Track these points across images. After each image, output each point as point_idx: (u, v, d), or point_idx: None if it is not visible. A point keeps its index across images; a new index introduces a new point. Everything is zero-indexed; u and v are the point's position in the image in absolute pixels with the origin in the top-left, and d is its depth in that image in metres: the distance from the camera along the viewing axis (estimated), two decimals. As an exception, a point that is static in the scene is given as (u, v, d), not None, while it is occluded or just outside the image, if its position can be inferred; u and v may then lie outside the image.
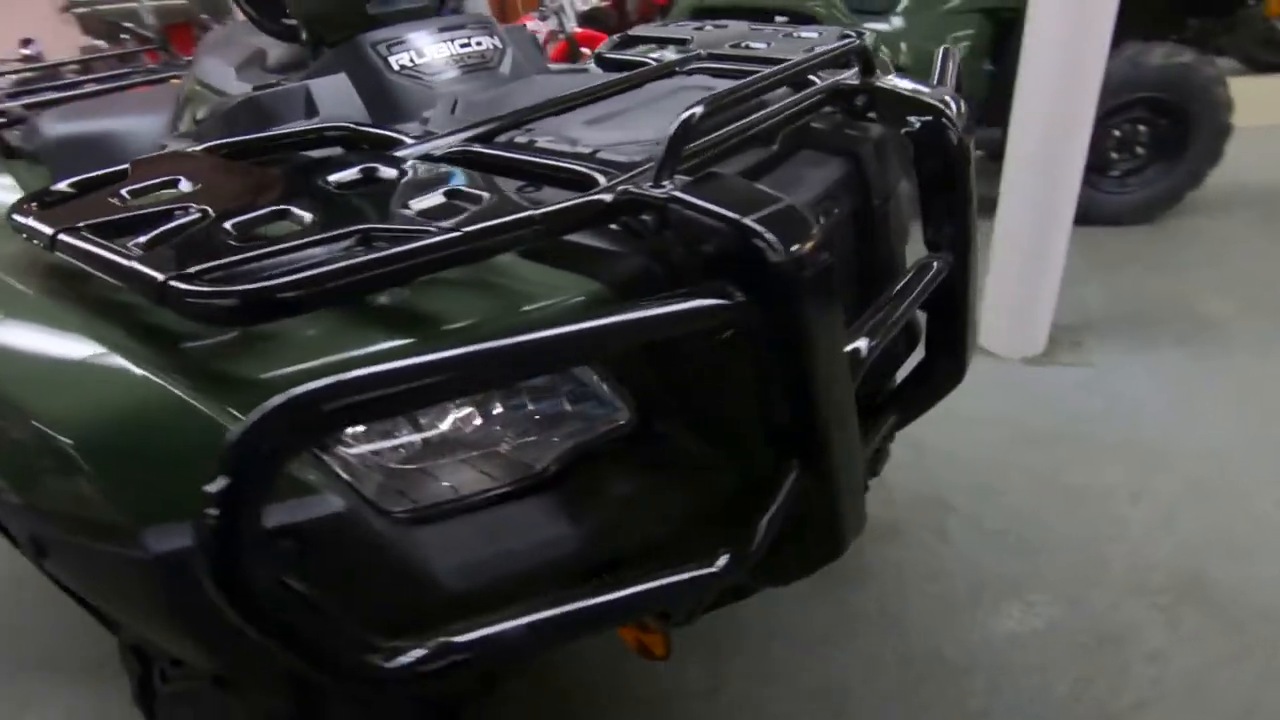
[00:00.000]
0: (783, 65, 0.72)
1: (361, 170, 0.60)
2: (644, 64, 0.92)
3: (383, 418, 0.47)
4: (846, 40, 0.84)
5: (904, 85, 0.78)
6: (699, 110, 0.57)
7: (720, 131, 0.64)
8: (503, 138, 0.71)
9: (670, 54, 1.00)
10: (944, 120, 0.74)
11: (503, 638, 0.46)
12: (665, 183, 0.54)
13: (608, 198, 0.54)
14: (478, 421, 0.58)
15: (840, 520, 0.65)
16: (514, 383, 0.55)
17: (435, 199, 0.55)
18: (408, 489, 0.54)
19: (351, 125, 0.72)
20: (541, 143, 0.69)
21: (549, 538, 0.57)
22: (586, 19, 6.04)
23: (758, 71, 0.72)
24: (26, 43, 5.61)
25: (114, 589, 0.51)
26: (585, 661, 1.44)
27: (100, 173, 0.62)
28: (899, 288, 0.72)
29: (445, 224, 0.49)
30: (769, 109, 0.71)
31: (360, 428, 0.50)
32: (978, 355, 2.15)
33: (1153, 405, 1.95)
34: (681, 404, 0.61)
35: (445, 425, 0.56)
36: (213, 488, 0.34)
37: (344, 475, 0.49)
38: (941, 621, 1.43)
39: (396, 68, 0.89)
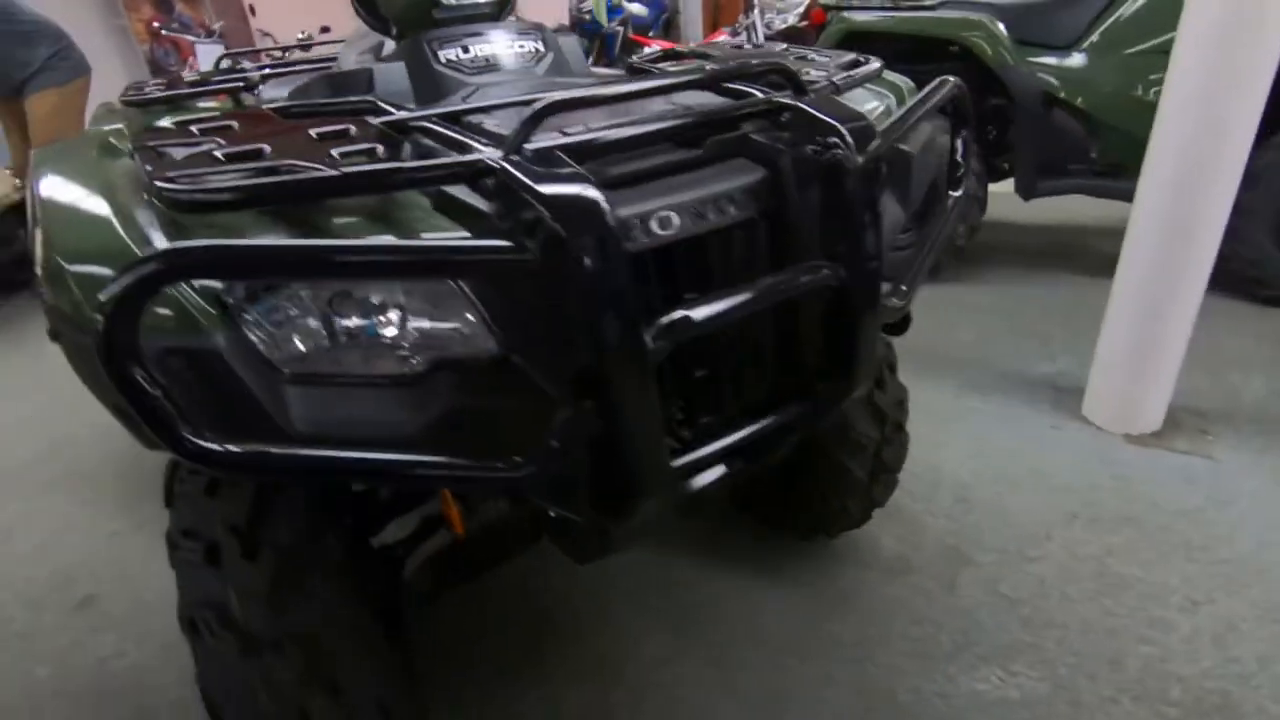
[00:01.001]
0: (665, 81, 0.83)
1: (338, 128, 0.81)
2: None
3: (221, 278, 0.66)
4: (770, 62, 0.92)
5: (819, 109, 0.84)
6: (548, 101, 0.71)
7: (606, 130, 0.77)
8: (475, 119, 0.89)
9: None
10: (840, 143, 0.80)
11: (304, 460, 0.64)
12: (513, 156, 0.68)
13: (464, 160, 0.70)
14: (382, 328, 0.76)
15: (628, 471, 0.74)
16: (332, 279, 0.71)
17: (356, 148, 0.74)
18: (309, 360, 0.74)
19: (370, 101, 0.94)
20: (489, 125, 0.86)
21: (393, 420, 0.74)
22: (785, 37, 6.12)
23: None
24: (325, 30, 6.84)
25: (89, 371, 0.76)
26: (558, 622, 1.60)
27: (202, 116, 0.89)
28: (766, 279, 0.80)
29: (342, 167, 0.67)
30: (669, 117, 0.81)
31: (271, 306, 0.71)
32: (1076, 421, 2.03)
33: (1264, 517, 1.68)
34: (528, 342, 0.75)
35: (351, 323, 0.76)
36: (102, 296, 0.55)
37: (252, 334, 0.70)
38: (910, 666, 1.40)
39: (442, 61, 1.10)
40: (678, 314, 0.73)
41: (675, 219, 0.78)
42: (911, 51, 2.87)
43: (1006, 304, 2.84)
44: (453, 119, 0.86)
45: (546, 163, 0.68)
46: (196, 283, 0.67)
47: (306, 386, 0.72)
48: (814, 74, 1.04)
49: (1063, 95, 2.72)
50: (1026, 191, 2.78)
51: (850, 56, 1.21)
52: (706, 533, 1.77)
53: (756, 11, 4.81)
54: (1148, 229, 1.80)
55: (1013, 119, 2.73)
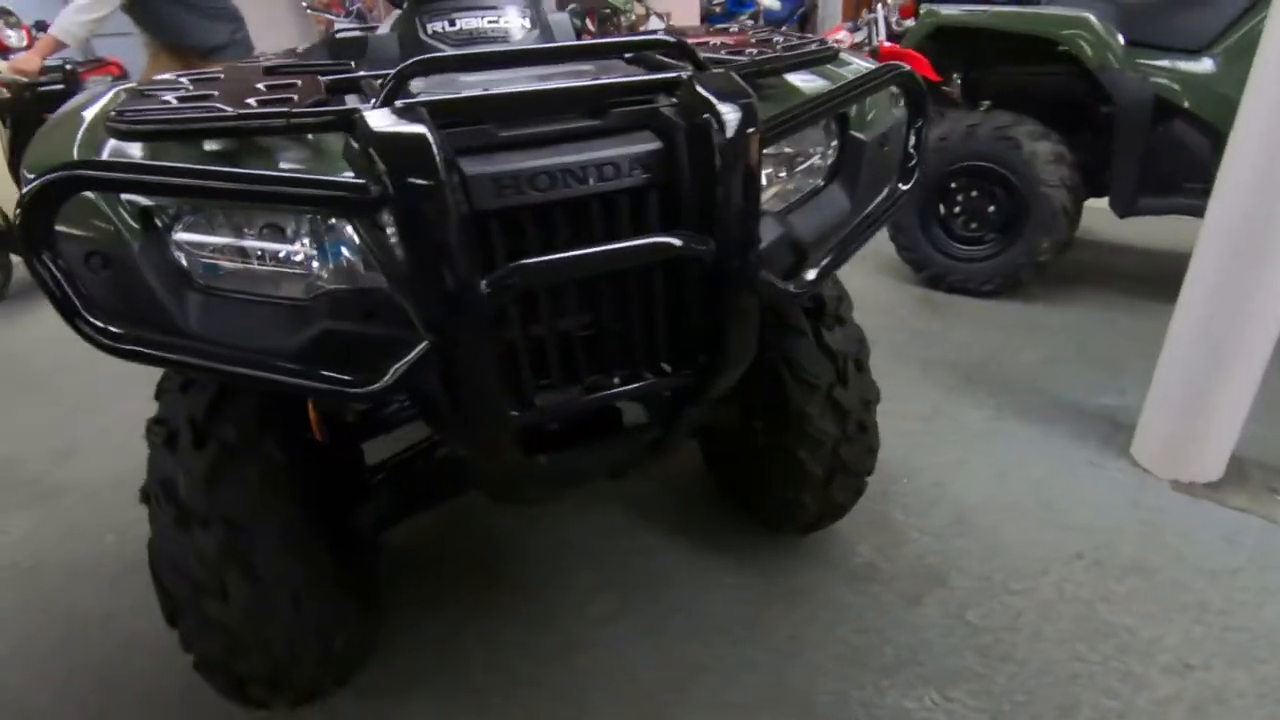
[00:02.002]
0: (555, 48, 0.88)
1: (286, 82, 0.93)
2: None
3: (107, 190, 0.79)
4: (658, 37, 0.94)
5: (704, 85, 0.85)
6: (416, 60, 0.79)
7: (487, 93, 0.83)
8: (419, 83, 0.99)
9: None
10: (712, 119, 0.82)
11: (175, 356, 0.77)
12: (381, 109, 0.77)
13: (336, 109, 0.79)
14: (286, 254, 0.88)
15: (465, 409, 0.81)
16: (197, 199, 0.81)
17: (280, 97, 0.86)
18: (220, 276, 0.87)
19: (346, 65, 1.07)
20: (415, 86, 0.95)
21: (280, 335, 0.85)
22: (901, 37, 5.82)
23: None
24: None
25: None
26: (515, 570, 1.69)
27: (203, 71, 1.05)
28: (609, 244, 0.84)
29: (263, 109, 0.79)
30: (552, 85, 0.87)
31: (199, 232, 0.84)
32: (1121, 460, 1.85)
33: (1316, 590, 1.47)
34: (391, 280, 0.83)
35: (262, 246, 0.88)
36: (22, 193, 0.70)
37: (174, 251, 0.84)
38: (841, 670, 1.36)
39: (429, 32, 1.21)
40: (512, 266, 0.79)
41: (546, 179, 0.84)
42: (1014, 51, 2.68)
43: (1084, 328, 2.59)
44: (398, 78, 0.96)
45: (408, 115, 0.76)
46: (125, 199, 0.81)
47: (209, 296, 0.85)
48: (749, 53, 1.05)
49: (1186, 104, 2.44)
50: (1124, 208, 2.52)
51: (816, 41, 1.18)
52: (680, 508, 1.80)
53: (880, 7, 4.63)
54: (1216, 246, 1.61)
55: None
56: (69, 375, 2.68)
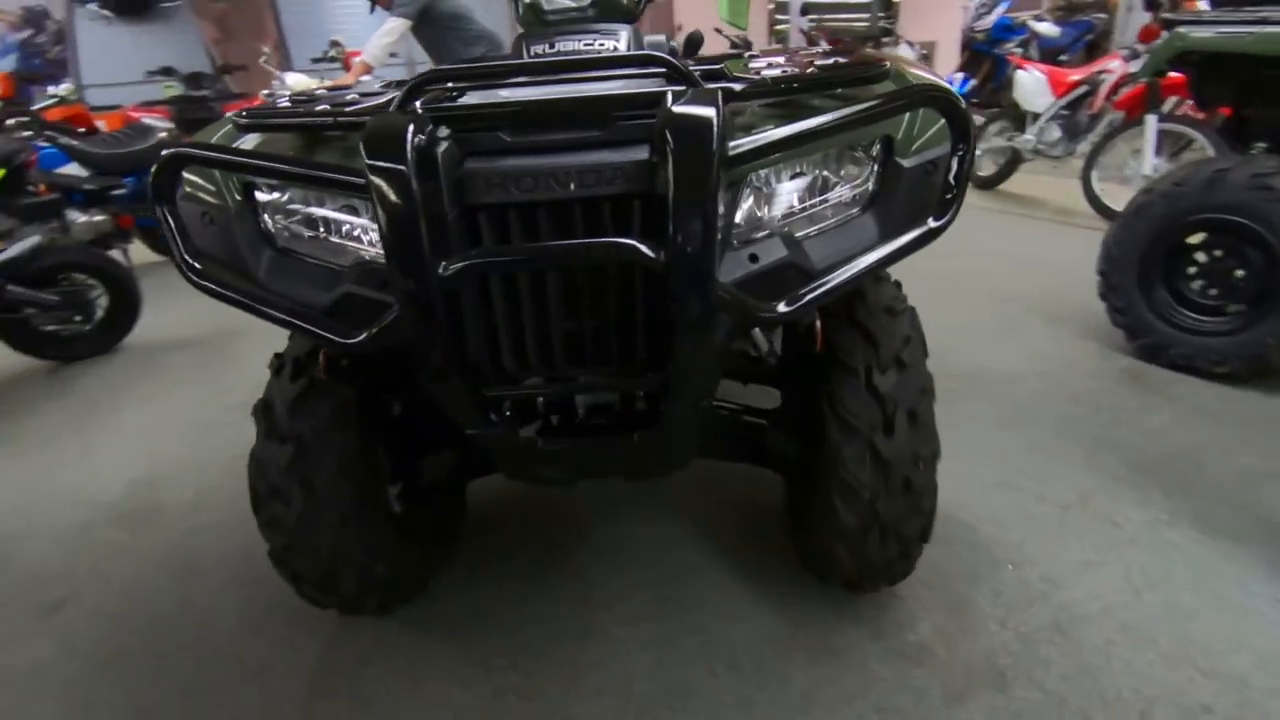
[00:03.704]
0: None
1: (388, 98, 1.13)
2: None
3: (198, 165, 1.02)
4: (649, 54, 0.94)
5: (681, 103, 0.86)
6: (425, 74, 0.92)
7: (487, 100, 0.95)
8: (474, 95, 1.13)
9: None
10: (669, 135, 0.84)
11: (232, 295, 1.00)
12: (399, 113, 0.91)
13: (366, 111, 0.96)
14: (347, 229, 1.08)
15: (429, 357, 0.93)
16: (256, 175, 1.02)
17: (357, 105, 1.06)
18: (298, 243, 1.09)
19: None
20: (470, 98, 1.09)
21: (317, 293, 1.04)
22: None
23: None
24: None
25: None
26: (565, 557, 1.78)
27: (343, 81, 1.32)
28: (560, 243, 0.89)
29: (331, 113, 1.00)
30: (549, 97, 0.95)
31: (285, 196, 1.07)
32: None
33: None
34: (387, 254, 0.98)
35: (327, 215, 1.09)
36: (155, 170, 0.96)
37: (265, 214, 1.07)
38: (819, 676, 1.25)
39: (530, 54, 1.36)
40: (471, 252, 0.89)
41: (530, 181, 0.93)
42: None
43: (1346, 441, 1.98)
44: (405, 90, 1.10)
45: (401, 117, 0.90)
46: (235, 176, 1.07)
47: (280, 254, 1.07)
48: (785, 73, 1.03)
49: None
50: None
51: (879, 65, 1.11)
52: (743, 533, 1.76)
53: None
54: None
55: None
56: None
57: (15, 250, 2.98)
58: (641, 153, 0.93)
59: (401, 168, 0.85)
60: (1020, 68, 4.88)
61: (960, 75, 6.42)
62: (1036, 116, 4.78)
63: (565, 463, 1.22)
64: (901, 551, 1.33)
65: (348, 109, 1.01)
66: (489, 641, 1.51)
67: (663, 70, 0.97)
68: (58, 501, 2.17)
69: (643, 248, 0.88)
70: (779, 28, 8.58)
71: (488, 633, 1.53)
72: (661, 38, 1.47)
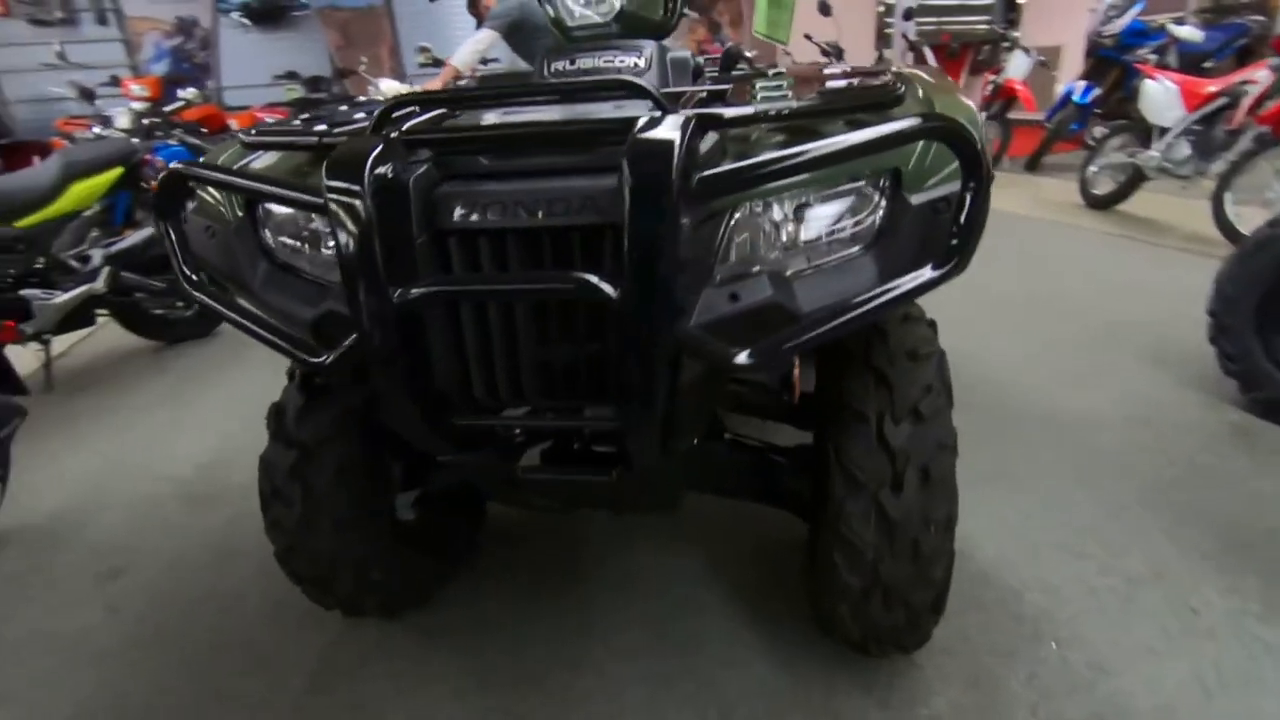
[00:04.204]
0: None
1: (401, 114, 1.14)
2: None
3: (209, 185, 1.04)
4: (620, 78, 0.87)
5: (643, 130, 0.80)
6: (394, 98, 0.90)
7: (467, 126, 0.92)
8: (470, 116, 1.12)
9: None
10: (625, 165, 0.79)
11: (217, 307, 1.02)
12: (377, 138, 0.91)
13: (344, 132, 0.96)
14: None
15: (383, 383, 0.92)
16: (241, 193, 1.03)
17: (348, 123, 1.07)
18: (294, 256, 1.11)
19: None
20: (486, 117, 1.08)
21: (305, 308, 1.05)
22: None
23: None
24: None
25: None
26: (569, 581, 1.74)
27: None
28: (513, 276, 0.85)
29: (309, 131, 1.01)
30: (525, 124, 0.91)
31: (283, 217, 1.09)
32: None
33: None
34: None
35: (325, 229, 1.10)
36: (159, 183, 1.00)
37: (264, 233, 1.10)
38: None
39: (550, 70, 1.34)
40: (422, 280, 0.87)
41: (500, 208, 0.90)
42: None
43: None
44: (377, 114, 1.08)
45: (368, 141, 0.89)
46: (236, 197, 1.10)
47: (275, 268, 1.10)
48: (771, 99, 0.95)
49: None
50: None
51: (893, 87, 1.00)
52: (760, 576, 1.67)
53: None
54: None
55: None
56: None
57: (131, 240, 3.28)
58: (613, 181, 0.88)
59: (356, 187, 0.84)
60: (1149, 77, 4.42)
61: (1082, 84, 5.90)
62: (1164, 131, 4.31)
63: (549, 493, 1.18)
64: (910, 620, 1.21)
65: (335, 131, 1.02)
66: (488, 657, 1.50)
67: (639, 94, 0.91)
68: (137, 476, 2.36)
69: (601, 284, 0.83)
70: (888, 32, 8.22)
71: (489, 648, 1.52)
72: (687, 53, 1.40)
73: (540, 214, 0.89)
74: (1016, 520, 1.81)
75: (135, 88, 5.56)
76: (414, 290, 0.87)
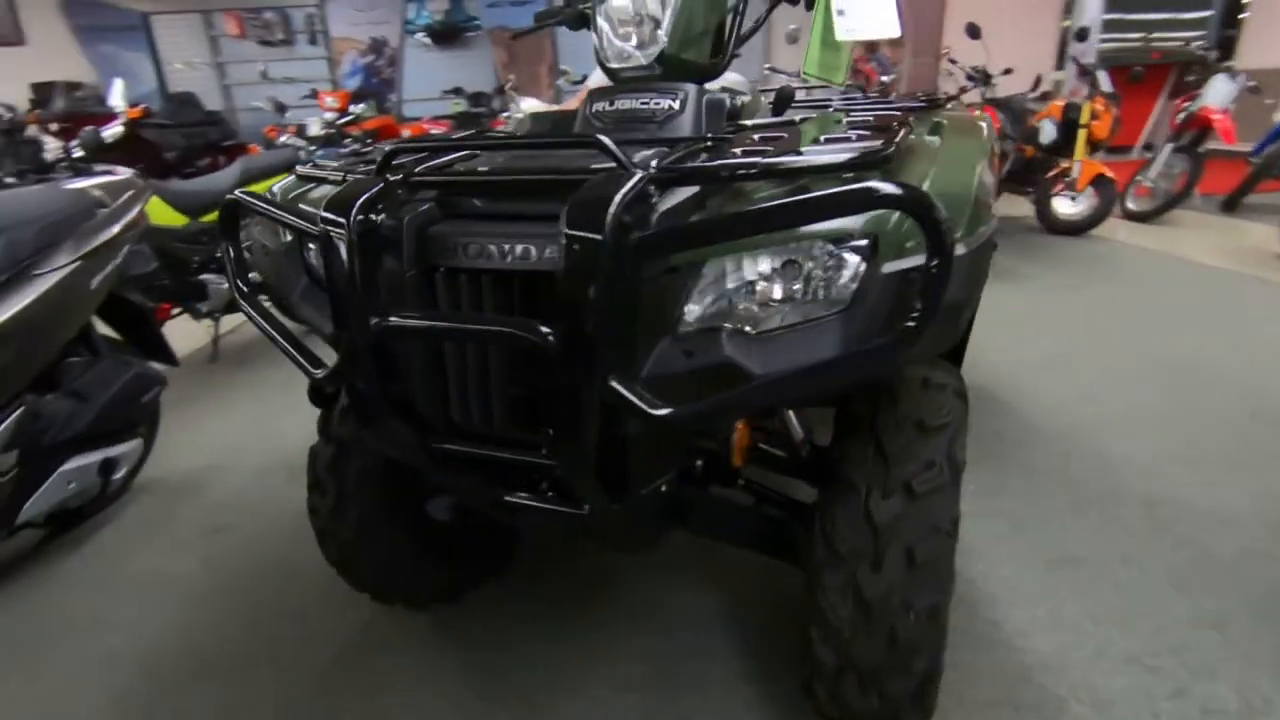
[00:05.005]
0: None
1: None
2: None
3: (253, 212, 1.18)
4: (583, 135, 0.87)
5: (594, 185, 0.81)
6: (393, 145, 0.98)
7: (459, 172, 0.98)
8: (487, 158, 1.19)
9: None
10: (562, 219, 0.81)
11: (259, 318, 1.16)
12: (377, 180, 1.00)
13: (359, 173, 1.06)
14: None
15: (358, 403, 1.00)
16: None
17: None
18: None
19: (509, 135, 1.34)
20: (496, 161, 1.15)
21: (329, 321, 1.17)
22: None
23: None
24: (1007, 71, 6.73)
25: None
26: (579, 611, 1.76)
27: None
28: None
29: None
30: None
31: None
32: None
33: None
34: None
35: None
36: (220, 212, 1.16)
37: (309, 254, 1.24)
38: None
39: (592, 110, 1.38)
40: (388, 315, 0.94)
41: (476, 249, 0.96)
42: None
43: None
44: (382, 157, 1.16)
45: (369, 183, 0.98)
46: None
47: (312, 284, 1.23)
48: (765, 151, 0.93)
49: None
50: None
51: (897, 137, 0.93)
52: (772, 624, 1.61)
53: None
54: None
55: None
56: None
57: (290, 237, 3.77)
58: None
59: (343, 222, 0.93)
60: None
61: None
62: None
63: (530, 521, 1.23)
64: (888, 711, 1.12)
65: (359, 168, 1.14)
66: (497, 668, 1.57)
67: (603, 150, 0.93)
68: (259, 445, 2.70)
69: (536, 330, 0.86)
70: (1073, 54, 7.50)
71: (499, 660, 1.59)
72: (723, 97, 1.38)
73: (509, 258, 0.94)
74: (1084, 620, 1.60)
75: (329, 100, 6.36)
76: (385, 322, 0.95)
